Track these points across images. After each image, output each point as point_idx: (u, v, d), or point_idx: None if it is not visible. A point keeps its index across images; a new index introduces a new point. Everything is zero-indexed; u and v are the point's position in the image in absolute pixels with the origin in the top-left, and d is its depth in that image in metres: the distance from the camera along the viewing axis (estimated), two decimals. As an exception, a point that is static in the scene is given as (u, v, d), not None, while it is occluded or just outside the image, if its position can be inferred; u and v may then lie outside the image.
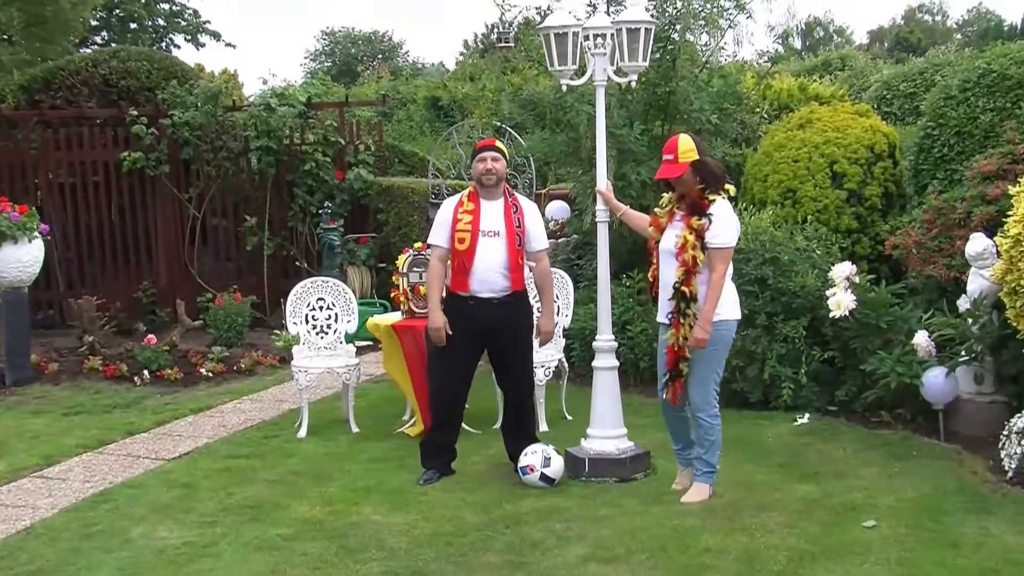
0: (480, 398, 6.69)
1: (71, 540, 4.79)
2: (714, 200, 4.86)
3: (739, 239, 5.23)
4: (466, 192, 5.57)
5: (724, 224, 4.86)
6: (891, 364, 6.11)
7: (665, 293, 4.96)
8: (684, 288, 4.82)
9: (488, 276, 5.40)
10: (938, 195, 7.06)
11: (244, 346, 9.37)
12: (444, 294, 5.51)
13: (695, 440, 5.11)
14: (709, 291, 4.82)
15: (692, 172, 4.86)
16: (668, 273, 4.94)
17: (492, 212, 5.45)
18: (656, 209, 5.15)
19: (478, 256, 5.38)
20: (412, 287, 6.55)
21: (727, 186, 4.98)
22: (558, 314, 6.86)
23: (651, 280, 5.16)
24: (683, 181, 4.89)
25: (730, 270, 4.97)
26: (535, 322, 5.70)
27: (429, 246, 5.65)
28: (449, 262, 5.49)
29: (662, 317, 5.02)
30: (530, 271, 5.64)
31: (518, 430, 5.64)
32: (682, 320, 4.85)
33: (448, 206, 5.54)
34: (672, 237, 4.92)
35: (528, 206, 5.64)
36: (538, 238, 5.57)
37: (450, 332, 5.37)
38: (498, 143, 5.70)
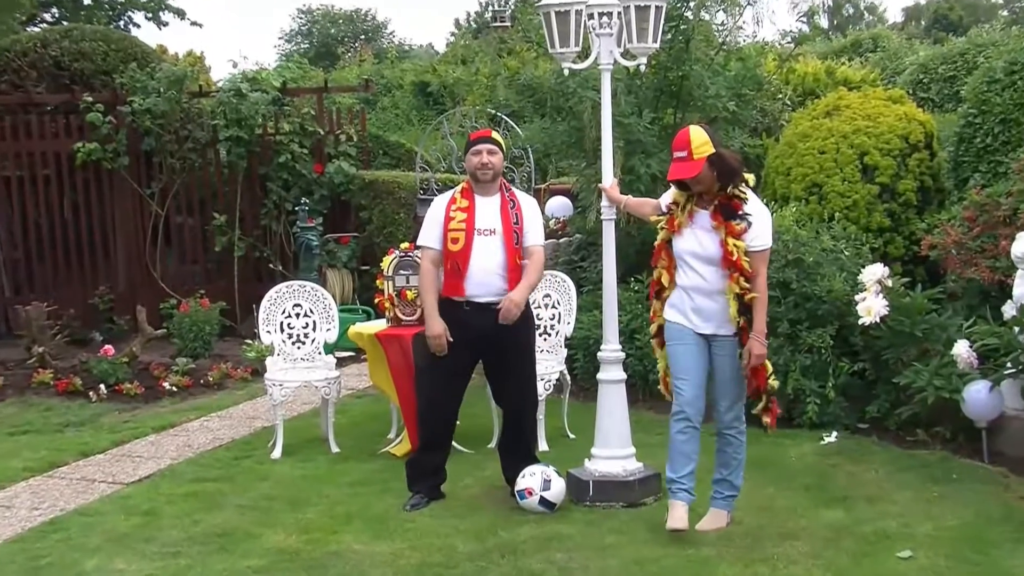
0: (474, 415, 6.69)
1: (16, 574, 4.78)
2: (746, 199, 4.87)
3: None
4: (459, 188, 5.59)
5: (764, 224, 4.91)
6: (928, 377, 6.13)
7: (692, 302, 4.93)
8: (749, 298, 4.85)
9: (485, 278, 5.41)
10: (980, 190, 7.08)
11: (212, 357, 9.38)
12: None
13: (717, 461, 5.12)
14: (758, 299, 4.85)
15: (709, 167, 4.85)
16: (693, 278, 4.92)
17: (488, 209, 5.47)
18: (666, 204, 5.11)
19: (474, 257, 5.40)
20: (398, 292, 6.56)
21: (746, 176, 4.97)
22: (559, 321, 6.88)
23: (656, 283, 5.13)
24: (701, 179, 4.87)
25: None
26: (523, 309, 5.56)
27: (418, 247, 5.66)
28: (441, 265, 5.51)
29: (706, 328, 4.95)
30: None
31: (516, 449, 5.65)
32: (752, 333, 4.87)
33: (440, 203, 5.56)
34: (696, 239, 4.90)
35: (526, 201, 5.65)
36: (533, 232, 5.56)
37: (451, 339, 5.39)
38: (494, 134, 5.70)
